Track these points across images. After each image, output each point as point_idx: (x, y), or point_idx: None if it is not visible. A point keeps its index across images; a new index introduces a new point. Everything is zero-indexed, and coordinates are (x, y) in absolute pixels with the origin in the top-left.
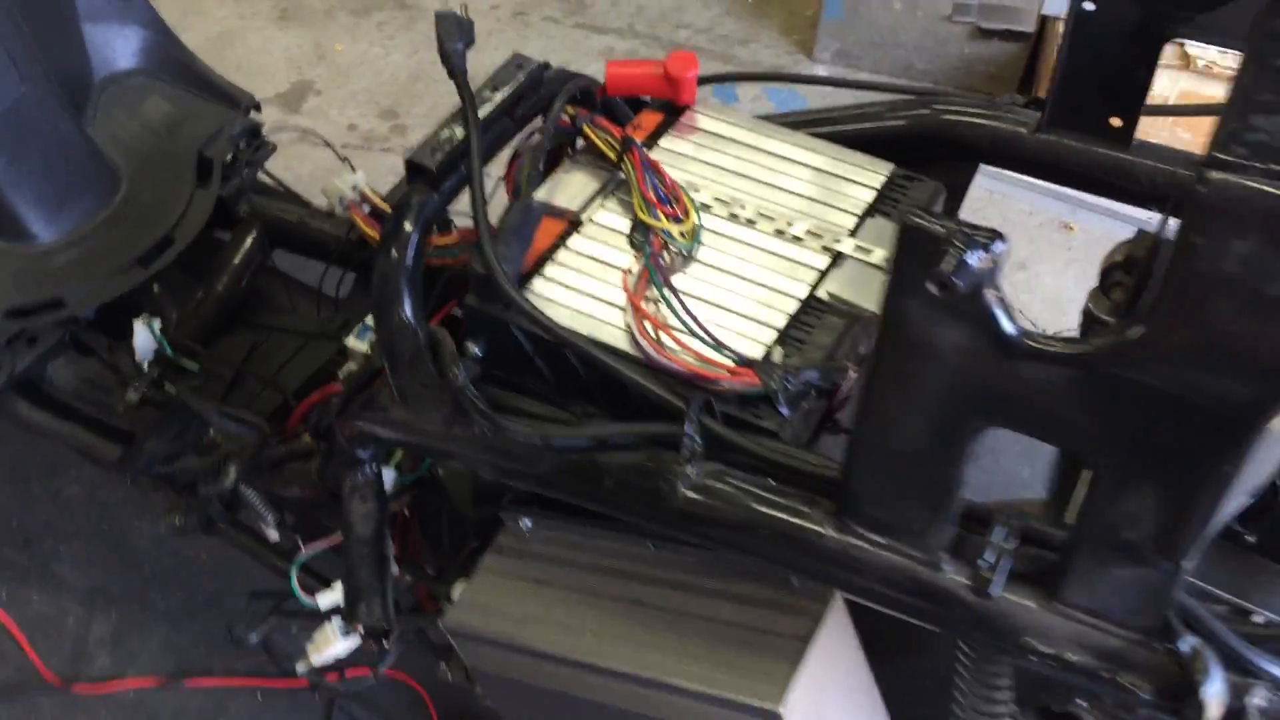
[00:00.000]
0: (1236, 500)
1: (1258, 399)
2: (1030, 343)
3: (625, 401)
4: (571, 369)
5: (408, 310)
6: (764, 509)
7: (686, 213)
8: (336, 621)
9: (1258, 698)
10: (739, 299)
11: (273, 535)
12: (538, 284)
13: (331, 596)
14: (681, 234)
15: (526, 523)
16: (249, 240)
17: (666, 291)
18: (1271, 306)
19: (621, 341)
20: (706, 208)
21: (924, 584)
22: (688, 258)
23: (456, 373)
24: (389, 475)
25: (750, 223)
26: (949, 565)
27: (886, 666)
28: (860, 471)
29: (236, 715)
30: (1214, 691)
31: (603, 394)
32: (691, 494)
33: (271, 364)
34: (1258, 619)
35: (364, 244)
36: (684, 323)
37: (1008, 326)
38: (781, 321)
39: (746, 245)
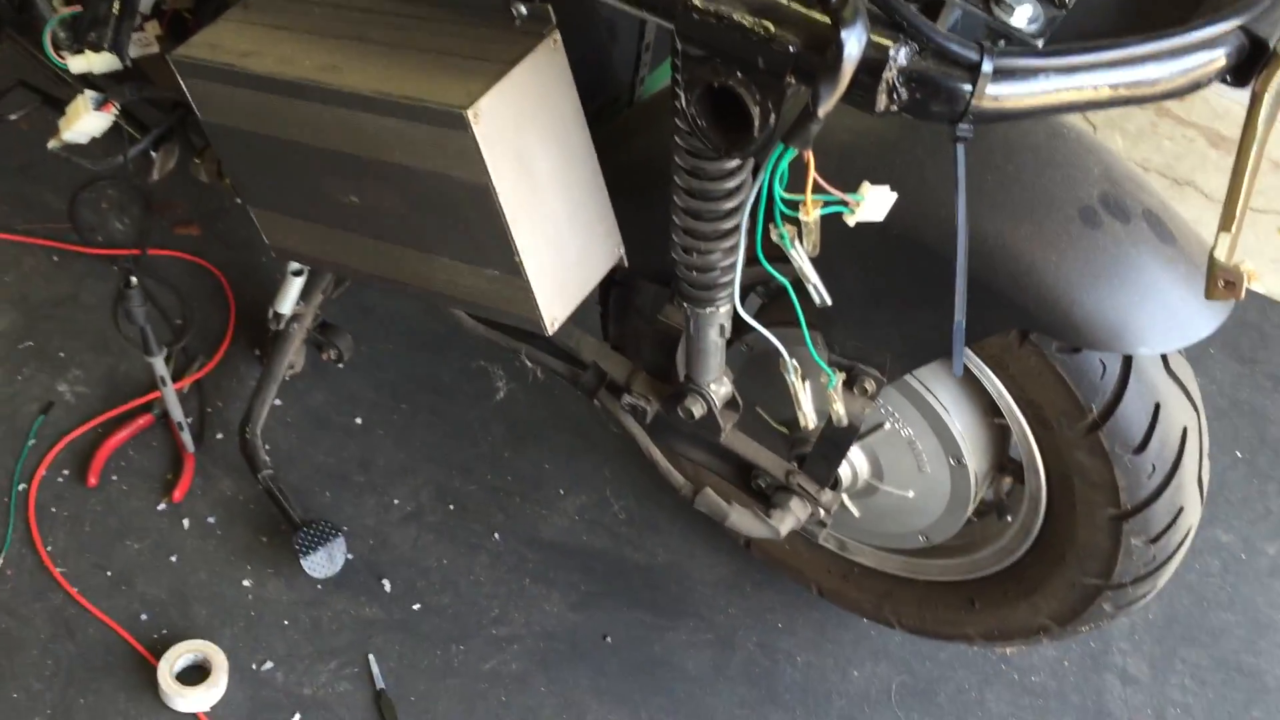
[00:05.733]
0: None
1: None
2: None
3: None
4: None
5: None
6: None
7: None
8: (90, 94)
9: (900, 53)
10: None
11: None
12: None
13: (82, 61)
14: None
15: None
16: None
17: None
18: None
19: None
20: None
21: None
22: None
23: None
24: None
25: None
26: None
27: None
28: None
29: (30, 270)
30: (854, 36)
31: None
32: None
33: None
34: None
35: None
36: None
37: None
38: None
39: None
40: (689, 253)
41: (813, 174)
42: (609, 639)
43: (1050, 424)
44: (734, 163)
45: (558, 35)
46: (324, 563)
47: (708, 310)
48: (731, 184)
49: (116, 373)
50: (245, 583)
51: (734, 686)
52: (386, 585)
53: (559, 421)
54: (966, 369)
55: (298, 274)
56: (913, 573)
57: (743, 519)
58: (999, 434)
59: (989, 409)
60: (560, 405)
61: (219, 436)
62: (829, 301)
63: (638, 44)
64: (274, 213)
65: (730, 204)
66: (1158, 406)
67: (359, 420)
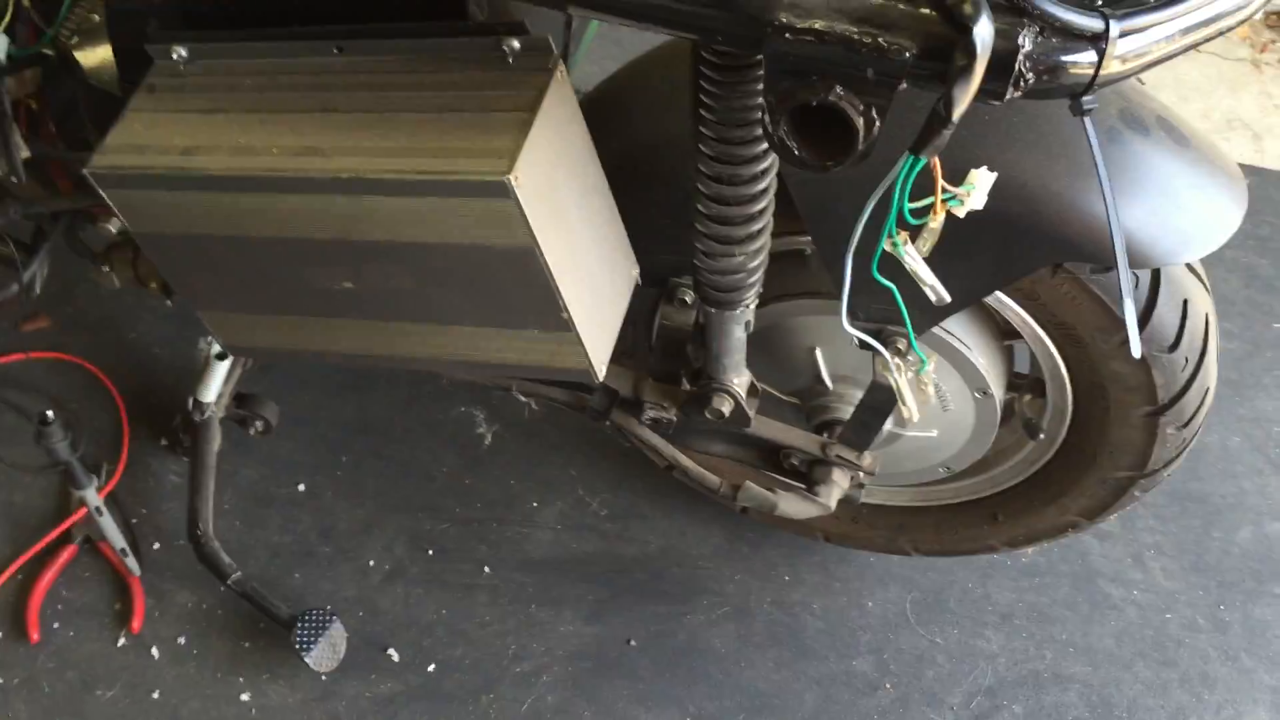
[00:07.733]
0: None
1: None
2: None
3: None
4: None
5: None
6: None
7: None
8: None
9: (1026, 40)
10: None
11: None
12: None
13: None
14: None
15: (181, 51)
16: None
17: None
18: None
19: None
20: None
21: None
22: None
23: None
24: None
25: None
26: None
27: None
28: None
29: None
30: (983, 29)
31: None
32: None
33: None
34: None
35: None
36: None
37: None
38: None
39: None
40: (715, 258)
41: (940, 179)
42: (632, 642)
43: (1083, 341)
44: (765, 164)
45: (563, 65)
46: (328, 654)
47: (737, 310)
48: (761, 185)
49: (12, 508)
50: (244, 697)
51: (764, 652)
52: (393, 654)
53: (508, 432)
54: (984, 304)
55: (221, 358)
56: (927, 500)
57: (790, 503)
58: (1008, 354)
59: (1000, 333)
60: (505, 414)
61: (155, 546)
62: (947, 299)
63: (565, 34)
64: (235, 313)
65: (760, 205)
66: (1185, 303)
67: (302, 486)
